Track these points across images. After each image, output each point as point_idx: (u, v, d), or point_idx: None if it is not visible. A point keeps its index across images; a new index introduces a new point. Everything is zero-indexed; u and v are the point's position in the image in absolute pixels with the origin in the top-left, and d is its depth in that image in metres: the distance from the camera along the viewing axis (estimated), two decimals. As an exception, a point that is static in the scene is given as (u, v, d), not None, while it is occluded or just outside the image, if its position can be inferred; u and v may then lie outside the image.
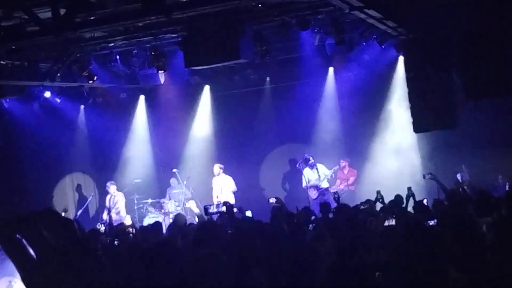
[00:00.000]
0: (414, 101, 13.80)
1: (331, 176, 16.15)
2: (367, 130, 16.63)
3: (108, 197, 16.16)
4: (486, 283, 4.86)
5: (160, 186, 17.83)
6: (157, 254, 4.36)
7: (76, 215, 16.16)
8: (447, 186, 12.63)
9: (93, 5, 11.05)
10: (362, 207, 10.48)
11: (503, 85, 12.89)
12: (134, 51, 15.23)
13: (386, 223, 7.89)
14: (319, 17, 13.23)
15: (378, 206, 11.27)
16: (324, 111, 16.96)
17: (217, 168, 16.43)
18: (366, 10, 11.49)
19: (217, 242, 5.51)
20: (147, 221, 15.08)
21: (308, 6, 12.68)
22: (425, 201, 10.96)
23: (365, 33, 14.16)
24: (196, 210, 16.05)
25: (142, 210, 16.61)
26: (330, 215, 10.12)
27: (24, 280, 1.05)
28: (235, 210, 10.72)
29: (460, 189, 12.69)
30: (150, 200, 16.77)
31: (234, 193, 16.14)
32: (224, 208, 10.02)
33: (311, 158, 16.11)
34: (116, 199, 15.93)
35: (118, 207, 15.83)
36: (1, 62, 13.74)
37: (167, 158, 17.96)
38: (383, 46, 14.68)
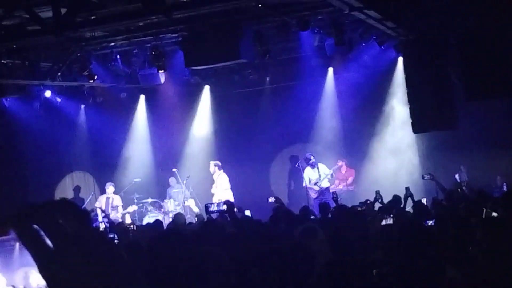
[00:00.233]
0: (413, 102, 13.84)
1: (331, 175, 16.17)
2: (366, 130, 16.66)
3: (103, 197, 16.12)
4: (483, 282, 4.90)
5: (160, 185, 17.85)
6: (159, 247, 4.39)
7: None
8: (446, 186, 12.66)
9: (94, 4, 11.10)
10: (359, 208, 10.51)
11: (502, 86, 12.93)
12: (134, 51, 15.25)
13: (384, 222, 7.94)
14: (319, 17, 13.27)
15: (377, 206, 11.31)
16: (324, 111, 17.00)
17: (212, 166, 16.41)
18: (365, 11, 11.53)
19: (218, 240, 5.55)
20: (147, 220, 15.10)
21: (308, 6, 12.72)
22: (424, 201, 11.01)
23: (365, 34, 14.21)
24: (196, 209, 16.11)
25: (141, 209, 16.63)
26: (329, 215, 10.15)
27: (41, 270, 1.03)
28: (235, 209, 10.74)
29: (459, 189, 12.75)
30: (150, 200, 16.79)
31: (232, 191, 16.15)
32: (225, 207, 10.04)
33: (311, 157, 16.15)
34: (115, 202, 15.91)
35: (116, 206, 15.85)
36: (2, 61, 13.76)
37: (167, 157, 18.00)
38: (382, 47, 14.73)
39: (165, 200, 16.65)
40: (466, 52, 13.19)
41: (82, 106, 17.96)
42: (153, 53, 14.28)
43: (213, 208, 10.37)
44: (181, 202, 16.40)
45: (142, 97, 18.54)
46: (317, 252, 5.14)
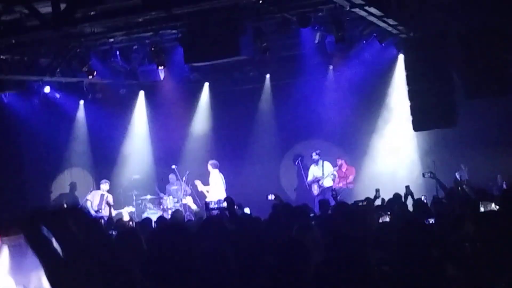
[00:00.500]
0: (414, 100, 13.82)
1: (333, 175, 16.16)
2: (366, 128, 16.63)
3: (97, 193, 16.01)
4: (483, 281, 4.87)
5: (159, 182, 17.81)
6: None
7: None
8: (446, 184, 12.63)
9: (93, 0, 11.06)
10: (360, 203, 10.50)
11: (502, 84, 12.91)
12: (134, 47, 15.21)
13: (381, 220, 7.92)
14: (320, 14, 13.22)
15: (377, 203, 11.28)
16: (324, 108, 16.95)
17: (208, 166, 16.32)
18: (366, 8, 11.50)
19: (217, 238, 5.52)
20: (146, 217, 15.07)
21: (308, 3, 12.68)
22: (423, 198, 10.98)
23: (365, 31, 14.16)
24: (193, 207, 16.08)
25: (140, 206, 16.60)
26: (329, 212, 10.12)
27: (48, 276, 1.01)
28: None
29: (459, 188, 12.70)
30: (149, 196, 16.77)
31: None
32: (225, 204, 10.00)
33: (313, 154, 16.15)
34: (109, 199, 15.82)
35: (109, 203, 15.74)
36: (1, 56, 13.74)
37: (166, 154, 17.95)
38: (383, 44, 14.68)
39: (164, 197, 16.61)
40: (467, 50, 13.16)
41: (81, 102, 17.92)
42: (152, 49, 14.24)
43: (213, 205, 10.33)
44: (180, 199, 16.37)
45: (141, 93, 18.50)
46: (312, 249, 5.10)
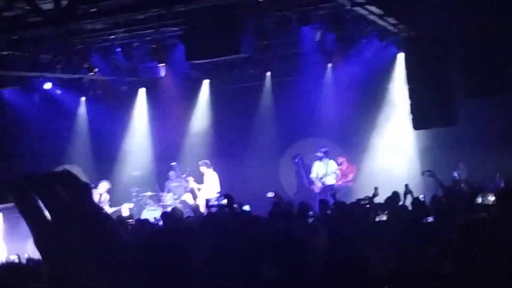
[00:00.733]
0: (414, 98, 13.84)
1: (336, 175, 16.18)
2: (366, 126, 16.63)
3: (95, 192, 15.92)
4: (480, 279, 4.90)
5: (159, 179, 17.82)
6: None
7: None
8: (445, 183, 12.65)
9: (95, -3, 11.09)
10: (362, 202, 10.55)
11: (503, 83, 12.92)
12: (135, 44, 15.22)
13: (377, 219, 7.96)
14: (320, 12, 13.24)
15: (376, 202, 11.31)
16: (324, 106, 16.96)
17: (201, 168, 16.30)
18: (367, 6, 11.52)
19: (218, 235, 5.56)
20: (146, 213, 15.10)
21: (309, 1, 12.70)
22: (421, 197, 11.00)
23: (366, 30, 14.18)
24: (192, 203, 16.10)
25: (140, 202, 16.62)
26: (328, 212, 10.16)
27: (36, 242, 1.00)
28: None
29: (458, 187, 12.74)
30: (149, 193, 16.78)
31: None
32: (225, 201, 10.04)
33: (319, 152, 16.19)
34: (107, 197, 15.77)
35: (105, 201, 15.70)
36: (2, 52, 13.75)
37: (166, 151, 17.96)
38: (383, 43, 14.70)
39: (163, 194, 16.63)
40: (467, 49, 13.17)
41: (82, 98, 17.93)
42: (153, 46, 14.26)
43: (213, 202, 10.37)
44: (180, 196, 16.39)
45: (142, 90, 18.51)
46: (316, 249, 5.14)
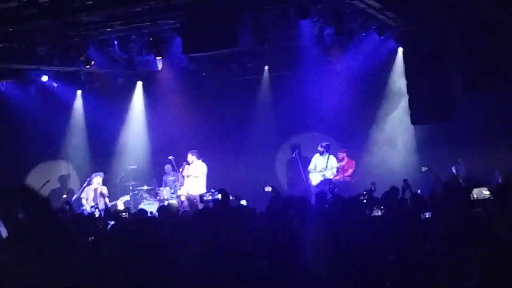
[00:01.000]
0: (412, 93, 13.79)
1: (337, 170, 16.16)
2: (364, 120, 16.62)
3: (90, 188, 15.87)
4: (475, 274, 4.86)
5: (156, 173, 17.78)
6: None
7: (71, 199, 16.08)
8: (443, 178, 12.63)
9: (92, -11, 11.01)
10: (362, 197, 10.52)
11: (501, 80, 12.88)
12: (132, 37, 15.13)
13: (374, 214, 7.93)
14: (319, 6, 13.15)
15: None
16: (322, 101, 16.91)
17: (189, 156, 16.22)
18: (366, 0, 11.46)
19: (213, 231, 5.50)
20: (142, 207, 15.04)
21: (308, -5, 12.62)
22: (418, 192, 10.97)
23: (365, 24, 14.10)
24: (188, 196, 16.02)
25: (137, 196, 16.58)
26: (326, 205, 10.10)
27: None
28: (231, 197, 10.69)
29: (456, 182, 12.70)
30: (145, 187, 16.74)
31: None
32: (219, 196, 9.98)
33: (319, 146, 16.17)
34: (103, 190, 15.69)
35: (104, 194, 15.63)
36: (-1, 45, 13.67)
37: (163, 144, 17.90)
38: (382, 37, 14.62)
39: (160, 188, 16.59)
40: (466, 45, 13.12)
41: (79, 91, 17.87)
42: (150, 39, 14.19)
43: (208, 197, 10.31)
44: (176, 190, 16.35)
45: (139, 83, 18.44)
46: (313, 242, 5.10)
